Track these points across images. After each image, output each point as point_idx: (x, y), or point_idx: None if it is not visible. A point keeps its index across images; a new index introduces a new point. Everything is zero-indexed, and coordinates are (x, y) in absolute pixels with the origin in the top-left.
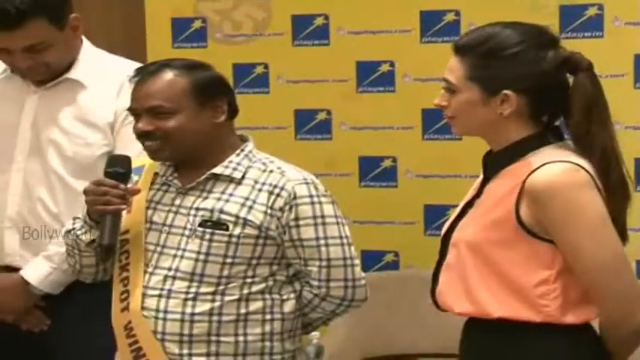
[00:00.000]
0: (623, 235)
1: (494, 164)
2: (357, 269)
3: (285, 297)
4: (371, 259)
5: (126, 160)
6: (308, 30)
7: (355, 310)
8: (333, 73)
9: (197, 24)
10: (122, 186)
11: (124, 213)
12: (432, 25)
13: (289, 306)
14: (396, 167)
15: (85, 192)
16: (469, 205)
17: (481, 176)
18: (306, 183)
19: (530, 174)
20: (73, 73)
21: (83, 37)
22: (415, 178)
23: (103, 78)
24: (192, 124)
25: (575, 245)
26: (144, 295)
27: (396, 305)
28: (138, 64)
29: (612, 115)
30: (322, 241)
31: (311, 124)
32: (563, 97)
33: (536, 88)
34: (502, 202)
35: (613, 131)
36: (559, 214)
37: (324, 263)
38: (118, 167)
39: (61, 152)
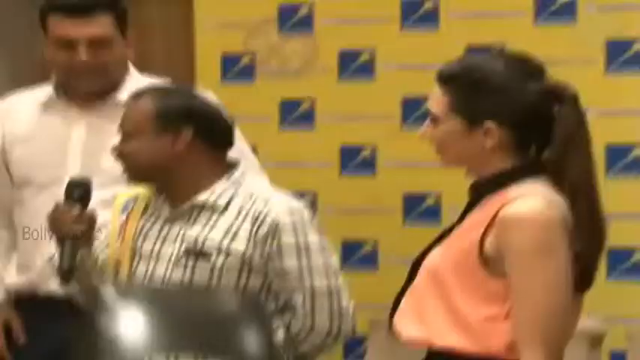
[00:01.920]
0: (587, 281)
1: (477, 193)
2: (344, 300)
3: (274, 328)
4: None
5: (83, 183)
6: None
7: (383, 348)
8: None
9: (246, 59)
10: (76, 210)
11: (117, 242)
12: None
13: (278, 338)
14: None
15: (47, 218)
16: (449, 231)
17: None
18: (291, 211)
19: (503, 205)
20: (120, 96)
21: (130, 64)
22: None
23: None
24: (148, 149)
25: (525, 284)
26: None
27: None
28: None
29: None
30: (306, 271)
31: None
32: (549, 128)
33: (520, 120)
34: (471, 231)
35: (592, 168)
36: (522, 247)
37: (307, 293)
38: (75, 191)
39: (117, 179)
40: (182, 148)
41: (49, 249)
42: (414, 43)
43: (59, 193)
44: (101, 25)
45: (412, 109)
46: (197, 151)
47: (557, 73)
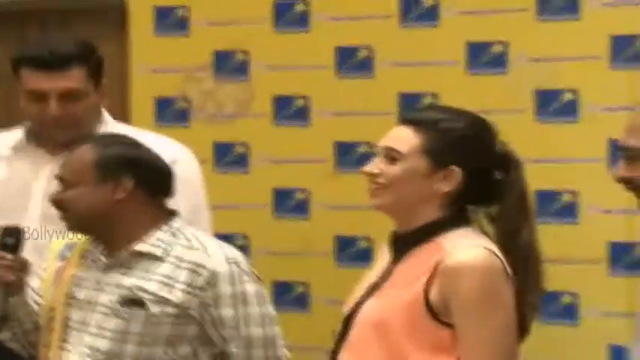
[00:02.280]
0: (525, 329)
1: (403, 245)
2: (279, 350)
3: None
4: None
5: (15, 231)
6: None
7: None
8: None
9: (181, 104)
10: (9, 257)
11: (52, 289)
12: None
13: None
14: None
15: None
16: (376, 285)
17: (386, 257)
18: (228, 262)
19: (444, 256)
20: None
21: (103, 110)
22: None
23: None
24: (87, 198)
25: (475, 332)
26: None
27: None
28: (162, 138)
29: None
30: (242, 321)
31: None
32: (489, 188)
33: (478, 171)
34: (413, 283)
35: (535, 228)
36: (470, 296)
37: (243, 343)
38: (7, 238)
39: None
40: (122, 197)
41: None
42: (347, 87)
43: None
44: (73, 79)
45: (345, 153)
46: (137, 200)
47: None
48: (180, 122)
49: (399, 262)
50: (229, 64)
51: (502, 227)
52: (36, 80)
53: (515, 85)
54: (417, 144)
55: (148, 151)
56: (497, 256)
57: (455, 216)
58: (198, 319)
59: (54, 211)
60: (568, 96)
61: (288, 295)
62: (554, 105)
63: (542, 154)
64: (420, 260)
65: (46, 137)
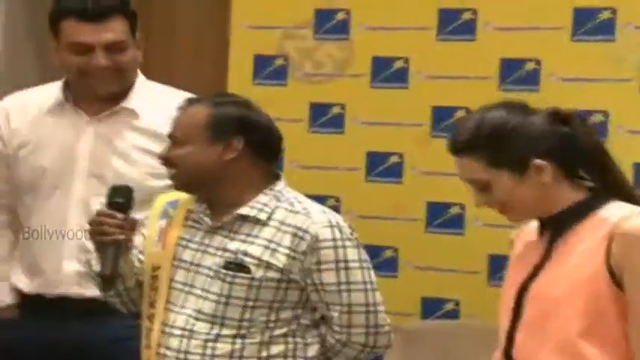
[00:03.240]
0: None
1: (558, 225)
2: (381, 315)
3: (309, 341)
4: (431, 307)
5: (126, 190)
6: (387, 72)
7: (401, 358)
8: (408, 116)
9: (279, 62)
10: (120, 216)
11: (156, 248)
12: (511, 72)
13: (313, 350)
14: (464, 215)
15: (88, 223)
16: (537, 268)
17: (522, 244)
18: (331, 226)
19: (617, 223)
20: (129, 103)
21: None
22: (483, 227)
23: (155, 109)
24: (198, 157)
25: None
26: (168, 334)
27: (448, 355)
28: (190, 95)
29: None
30: (344, 287)
31: (382, 167)
32: (576, 147)
33: (552, 147)
34: (592, 255)
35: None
36: None
37: (344, 309)
38: (118, 197)
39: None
40: (231, 158)
41: (56, 252)
42: (449, 53)
43: (67, 198)
44: (117, 31)
45: (442, 118)
46: (245, 162)
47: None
48: (278, 80)
49: (555, 242)
50: (330, 23)
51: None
52: (80, 32)
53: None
54: (484, 166)
55: (259, 112)
56: None
57: (599, 192)
58: (300, 283)
59: (101, 172)
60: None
61: (376, 260)
62: None
63: None
64: (586, 234)
65: (88, 92)
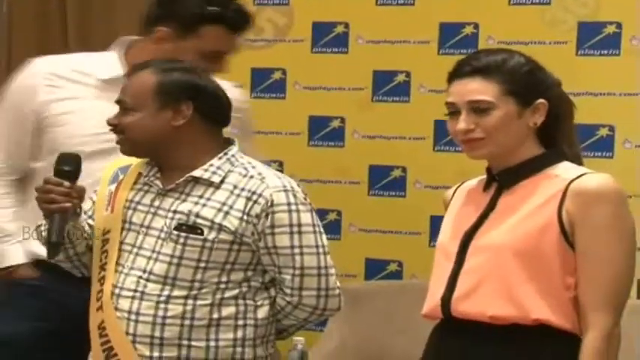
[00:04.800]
0: None
1: (510, 178)
2: (332, 279)
3: (259, 303)
4: (375, 268)
5: (73, 158)
6: (327, 38)
7: (345, 318)
8: (349, 81)
9: None
10: (66, 184)
11: (106, 212)
12: (450, 37)
13: (263, 312)
14: (406, 177)
15: (35, 190)
16: (481, 218)
17: (463, 196)
18: (285, 190)
19: (572, 180)
20: None
21: None
22: (424, 189)
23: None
24: (147, 122)
25: (607, 254)
26: (118, 295)
27: (392, 315)
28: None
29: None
30: (297, 250)
31: (324, 132)
32: (561, 108)
33: (554, 97)
34: (541, 208)
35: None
36: (604, 220)
37: (297, 272)
38: (64, 165)
39: None
40: (181, 124)
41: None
42: (389, 17)
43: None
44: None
45: (383, 82)
46: (195, 127)
47: None
48: None
49: (501, 194)
50: None
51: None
52: (223, 41)
53: None
54: (499, 89)
55: (207, 78)
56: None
57: (555, 149)
58: (252, 246)
59: None
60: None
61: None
62: None
63: None
64: (536, 189)
65: None
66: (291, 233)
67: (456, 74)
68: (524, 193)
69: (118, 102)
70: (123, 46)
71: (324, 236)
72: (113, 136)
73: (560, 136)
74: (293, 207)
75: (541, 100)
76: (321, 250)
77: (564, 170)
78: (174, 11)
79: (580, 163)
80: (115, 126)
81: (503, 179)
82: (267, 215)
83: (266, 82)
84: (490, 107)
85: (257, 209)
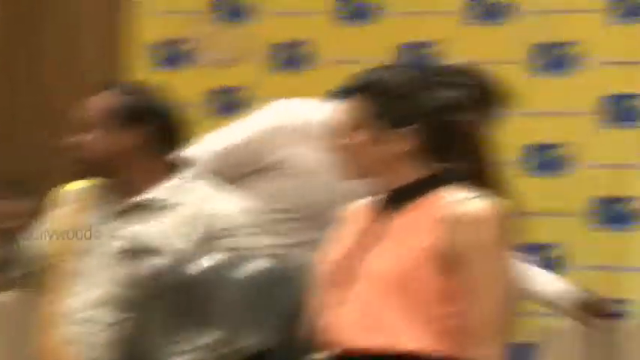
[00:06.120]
0: None
1: (394, 200)
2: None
3: None
4: None
5: (22, 182)
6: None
7: None
8: None
9: (182, 47)
10: (12, 204)
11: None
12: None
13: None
14: None
15: None
16: (368, 242)
17: (360, 217)
18: (231, 215)
19: (452, 205)
20: None
21: None
22: None
23: None
24: (103, 143)
25: (485, 281)
26: (67, 320)
27: None
28: None
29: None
30: None
31: None
32: (454, 136)
33: (431, 124)
34: (422, 234)
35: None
36: (479, 246)
37: None
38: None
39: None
40: (136, 146)
41: None
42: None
43: None
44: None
45: None
46: (150, 150)
47: None
48: (180, 66)
49: (392, 217)
50: (229, 8)
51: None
52: None
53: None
54: (365, 112)
55: (164, 101)
56: (498, 204)
57: (444, 171)
58: None
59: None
60: None
61: None
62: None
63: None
64: (423, 212)
65: None
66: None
67: (342, 90)
68: (407, 218)
69: (76, 121)
70: None
71: (269, 260)
72: None
73: (456, 155)
74: (239, 231)
75: (406, 128)
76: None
77: (450, 193)
78: None
79: (485, 181)
80: (72, 145)
81: (387, 202)
82: (217, 238)
83: (227, 102)
84: (360, 125)
85: (207, 232)
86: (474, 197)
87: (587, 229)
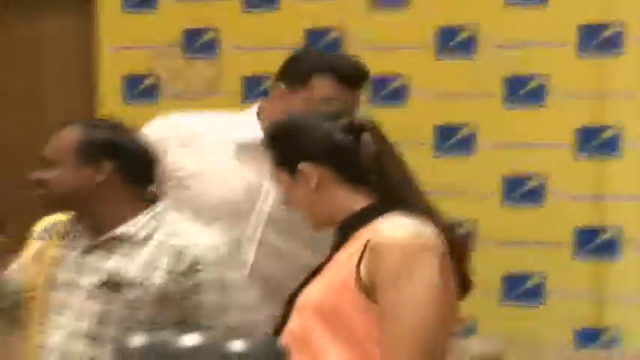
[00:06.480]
0: (467, 285)
1: (343, 233)
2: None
3: None
4: None
5: None
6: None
7: None
8: None
9: (149, 81)
10: None
11: (32, 269)
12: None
13: None
14: None
15: None
16: (317, 271)
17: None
18: (210, 249)
19: (374, 234)
20: None
21: None
22: None
23: None
24: (67, 179)
25: (391, 306)
26: (42, 355)
27: None
28: None
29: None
30: (222, 308)
31: None
32: (355, 156)
33: (329, 155)
34: (346, 263)
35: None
36: (392, 273)
37: (221, 329)
38: None
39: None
40: (102, 181)
41: None
42: None
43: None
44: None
45: None
46: (118, 185)
47: None
48: (149, 100)
49: (340, 248)
50: (199, 42)
51: (378, 192)
52: (333, 90)
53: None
54: (272, 160)
55: (132, 136)
56: (422, 229)
57: (384, 198)
58: (177, 304)
59: (280, 215)
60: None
61: None
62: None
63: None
64: (357, 242)
65: None
66: (215, 291)
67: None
68: (346, 249)
69: (40, 157)
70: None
71: (250, 293)
72: None
73: (380, 183)
74: (218, 265)
75: (300, 166)
76: (245, 308)
77: (384, 221)
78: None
79: (426, 208)
80: (36, 181)
81: (337, 234)
82: (192, 273)
83: None
84: (278, 178)
85: (182, 267)
86: (394, 223)
87: (567, 259)
